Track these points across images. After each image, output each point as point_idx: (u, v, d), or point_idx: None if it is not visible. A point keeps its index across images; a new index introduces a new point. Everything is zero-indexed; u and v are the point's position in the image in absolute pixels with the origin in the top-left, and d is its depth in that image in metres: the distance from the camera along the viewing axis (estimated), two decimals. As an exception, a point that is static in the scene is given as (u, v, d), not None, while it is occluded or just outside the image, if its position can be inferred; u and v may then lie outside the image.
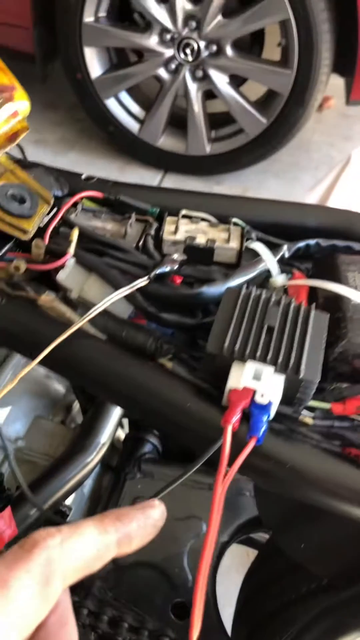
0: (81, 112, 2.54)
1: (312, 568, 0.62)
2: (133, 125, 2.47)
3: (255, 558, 0.98)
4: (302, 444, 0.48)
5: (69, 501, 0.92)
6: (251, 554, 1.41)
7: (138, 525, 0.36)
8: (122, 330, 0.57)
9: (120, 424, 1.13)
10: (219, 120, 2.47)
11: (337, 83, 2.47)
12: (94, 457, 0.87)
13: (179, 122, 2.45)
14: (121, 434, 1.09)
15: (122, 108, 2.47)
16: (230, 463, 0.45)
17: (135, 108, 2.49)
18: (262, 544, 1.12)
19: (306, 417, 0.50)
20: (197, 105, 2.33)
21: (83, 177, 0.73)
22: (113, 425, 0.92)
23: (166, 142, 2.48)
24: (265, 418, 0.46)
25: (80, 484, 0.86)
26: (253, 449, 0.46)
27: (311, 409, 0.51)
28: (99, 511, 1.04)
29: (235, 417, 0.46)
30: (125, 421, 1.14)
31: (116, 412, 0.94)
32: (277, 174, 2.57)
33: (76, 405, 1.07)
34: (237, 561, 1.47)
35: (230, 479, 0.43)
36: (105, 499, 1.00)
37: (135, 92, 2.49)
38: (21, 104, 0.63)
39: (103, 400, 0.95)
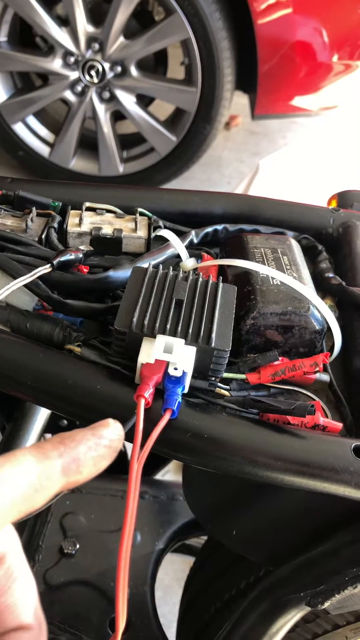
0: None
1: (247, 554, 0.60)
2: (43, 149, 2.45)
3: (193, 563, 0.96)
4: (219, 414, 0.46)
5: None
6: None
7: (88, 447, 0.31)
8: (26, 321, 0.54)
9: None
10: (129, 141, 2.48)
11: (242, 102, 2.55)
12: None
13: (89, 143, 2.44)
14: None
15: (31, 132, 2.44)
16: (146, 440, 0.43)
17: (44, 132, 2.47)
18: (198, 549, 1.09)
19: (222, 389, 0.49)
20: (106, 126, 2.34)
21: (-21, 175, 0.70)
22: (35, 438, 0.88)
23: (78, 164, 2.46)
24: (179, 390, 0.45)
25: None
26: (169, 422, 0.44)
27: (227, 382, 0.50)
28: (25, 538, 0.99)
29: (149, 391, 0.44)
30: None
31: (37, 425, 0.90)
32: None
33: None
34: (180, 576, 1.43)
35: (146, 455, 0.41)
36: (31, 521, 0.94)
37: (43, 115, 2.47)
38: None
39: (21, 415, 0.90)
